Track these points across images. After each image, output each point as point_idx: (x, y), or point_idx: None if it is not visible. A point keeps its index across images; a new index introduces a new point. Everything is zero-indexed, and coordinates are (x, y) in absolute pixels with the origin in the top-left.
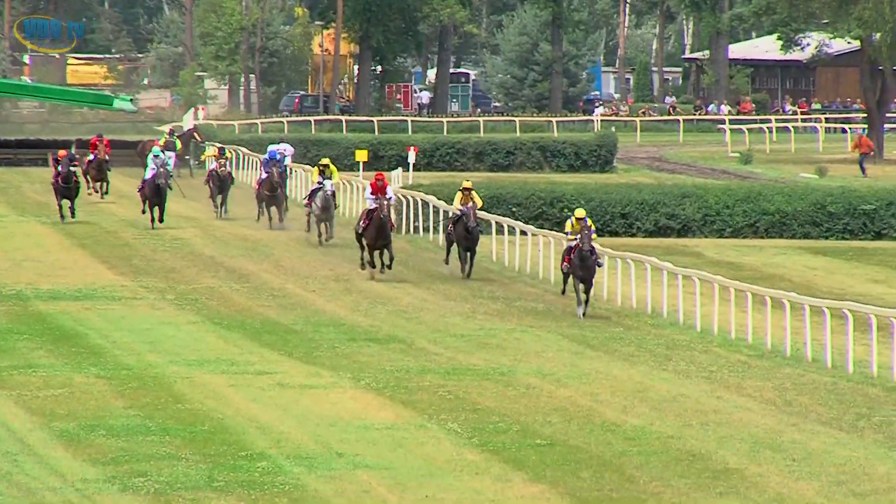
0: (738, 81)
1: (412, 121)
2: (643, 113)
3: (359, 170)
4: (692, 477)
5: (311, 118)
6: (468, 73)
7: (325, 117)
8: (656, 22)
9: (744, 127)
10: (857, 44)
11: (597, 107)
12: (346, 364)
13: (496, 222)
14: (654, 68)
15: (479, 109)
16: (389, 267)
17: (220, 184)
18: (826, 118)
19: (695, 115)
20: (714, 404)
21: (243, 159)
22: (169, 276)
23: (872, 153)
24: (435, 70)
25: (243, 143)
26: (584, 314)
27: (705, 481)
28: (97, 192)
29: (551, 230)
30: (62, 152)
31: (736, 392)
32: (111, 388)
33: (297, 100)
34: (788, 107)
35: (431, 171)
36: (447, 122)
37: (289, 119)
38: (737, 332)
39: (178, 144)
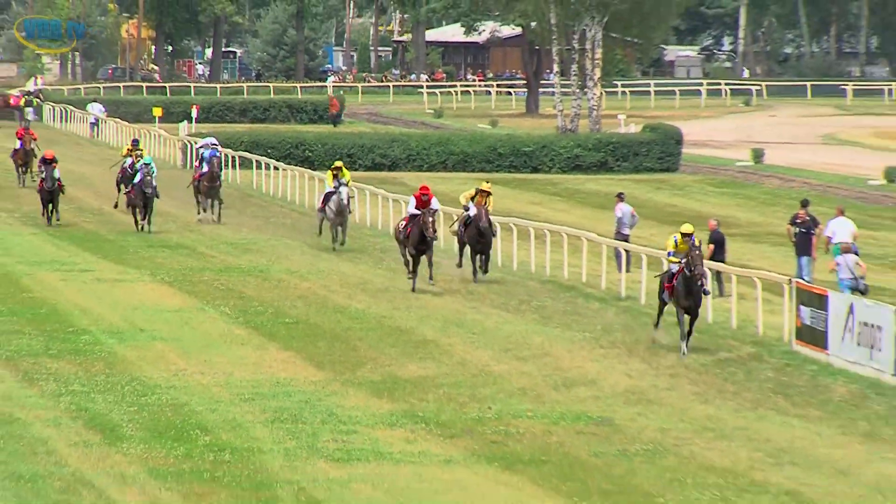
0: (432, 58)
1: (194, 86)
2: (364, 80)
3: (155, 122)
4: (400, 346)
5: (121, 84)
6: (235, 51)
7: (130, 83)
8: (373, 13)
9: (437, 91)
10: (519, 30)
11: (329, 76)
12: (146, 264)
13: (256, 160)
14: (372, 47)
15: (243, 78)
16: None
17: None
18: (497, 84)
19: (401, 82)
20: (416, 293)
21: (69, 114)
22: (15, 200)
23: (338, 112)
24: (211, 49)
25: (70, 102)
26: (687, 349)
27: (409, 349)
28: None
29: (296, 166)
30: None
31: None
32: None
33: (110, 71)
34: (470, 76)
35: (209, 124)
36: (220, 87)
37: (104, 85)
38: None
39: (35, 102)
